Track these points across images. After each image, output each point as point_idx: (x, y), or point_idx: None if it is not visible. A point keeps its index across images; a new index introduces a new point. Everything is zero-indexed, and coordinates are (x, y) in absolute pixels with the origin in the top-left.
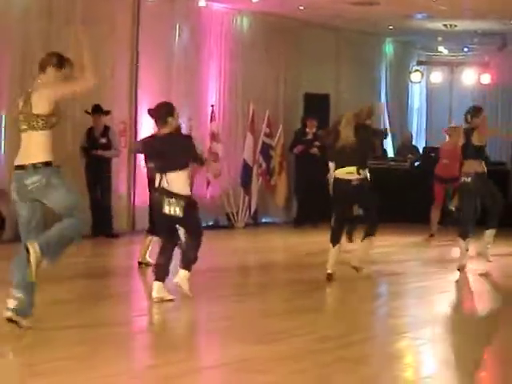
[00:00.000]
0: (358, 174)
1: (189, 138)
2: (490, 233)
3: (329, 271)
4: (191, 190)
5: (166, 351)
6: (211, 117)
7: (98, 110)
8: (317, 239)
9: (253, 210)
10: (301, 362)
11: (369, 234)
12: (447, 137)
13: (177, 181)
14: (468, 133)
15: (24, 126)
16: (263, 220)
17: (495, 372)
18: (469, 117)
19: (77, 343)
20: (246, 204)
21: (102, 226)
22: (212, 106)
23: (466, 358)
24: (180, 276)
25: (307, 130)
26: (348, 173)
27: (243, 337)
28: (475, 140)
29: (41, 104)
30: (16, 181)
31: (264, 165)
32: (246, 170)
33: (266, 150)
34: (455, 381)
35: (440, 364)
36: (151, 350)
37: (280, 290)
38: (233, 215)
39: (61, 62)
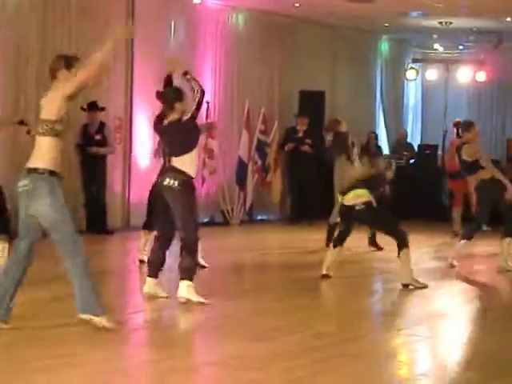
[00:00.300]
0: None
1: (190, 122)
2: (505, 242)
3: (324, 272)
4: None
5: (160, 348)
6: (206, 114)
7: (93, 107)
8: (312, 237)
9: (248, 206)
10: (296, 359)
11: (399, 248)
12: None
13: (181, 162)
14: (459, 149)
15: (38, 129)
16: (258, 217)
17: (488, 370)
18: (460, 131)
19: (72, 340)
20: (242, 201)
21: (97, 222)
22: (207, 102)
23: (461, 355)
24: (181, 289)
25: (298, 127)
26: (354, 196)
27: (239, 334)
28: (465, 155)
29: (48, 108)
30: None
31: (259, 162)
32: (242, 167)
33: (261, 147)
34: (450, 378)
35: (435, 361)
36: (145, 347)
37: (275, 288)
38: (228, 212)
39: (69, 61)
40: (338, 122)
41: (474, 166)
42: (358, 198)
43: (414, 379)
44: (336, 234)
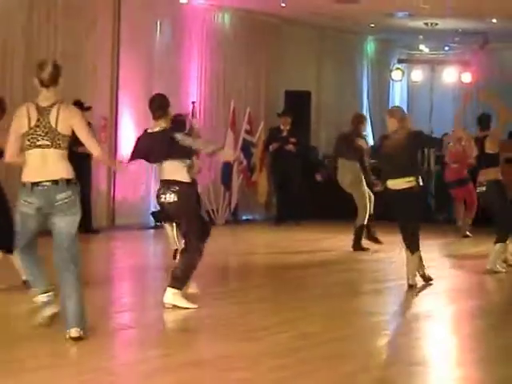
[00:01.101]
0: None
1: (172, 133)
2: (496, 247)
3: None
4: (194, 180)
5: (146, 348)
6: (192, 114)
7: (78, 107)
8: (299, 237)
9: (233, 206)
10: (281, 359)
11: (410, 249)
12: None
13: (170, 168)
14: (481, 141)
15: (44, 142)
16: (244, 217)
17: (474, 370)
18: (483, 123)
19: (56, 340)
20: (227, 201)
21: (82, 221)
22: (193, 102)
23: (446, 355)
24: (167, 295)
25: (282, 127)
26: (403, 182)
27: (225, 334)
28: (488, 148)
29: (66, 126)
30: (41, 196)
31: (245, 162)
32: (227, 167)
33: (246, 147)
34: (434, 378)
35: (420, 361)
36: (131, 346)
37: (261, 288)
38: (213, 212)
39: (59, 69)
40: (364, 117)
41: (494, 160)
42: (408, 183)
43: (399, 379)
44: (415, 239)
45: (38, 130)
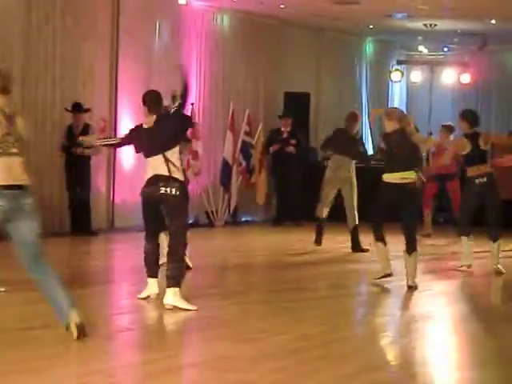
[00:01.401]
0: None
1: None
2: (495, 246)
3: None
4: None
5: (145, 350)
6: (191, 115)
7: (77, 108)
8: (298, 238)
9: (232, 208)
10: (282, 360)
11: (408, 250)
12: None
13: (168, 163)
14: (474, 138)
15: (14, 150)
16: (243, 218)
17: (474, 371)
18: (472, 121)
19: (54, 342)
20: (226, 202)
21: (81, 223)
22: (192, 104)
23: (447, 357)
24: (168, 296)
25: (282, 128)
26: (403, 177)
27: (224, 335)
28: (482, 144)
29: (25, 133)
30: (10, 199)
31: (244, 163)
32: (226, 168)
33: (246, 149)
34: (434, 379)
35: (420, 363)
36: (130, 348)
37: (261, 289)
38: (212, 213)
39: None
40: (358, 116)
41: (486, 156)
42: (406, 178)
43: (399, 381)
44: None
45: (9, 137)
